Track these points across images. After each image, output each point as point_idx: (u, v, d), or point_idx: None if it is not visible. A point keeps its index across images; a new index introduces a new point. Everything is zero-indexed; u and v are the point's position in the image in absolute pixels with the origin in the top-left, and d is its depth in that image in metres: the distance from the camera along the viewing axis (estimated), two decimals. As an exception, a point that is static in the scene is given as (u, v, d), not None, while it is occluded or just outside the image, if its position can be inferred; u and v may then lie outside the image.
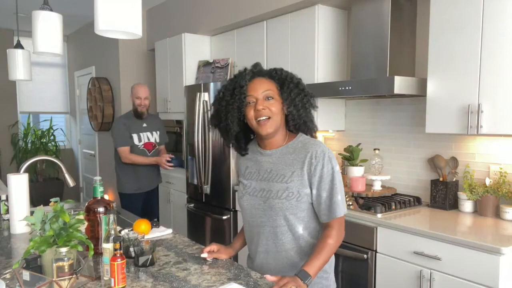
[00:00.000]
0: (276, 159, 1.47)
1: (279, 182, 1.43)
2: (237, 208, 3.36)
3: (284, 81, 1.45)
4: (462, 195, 2.41)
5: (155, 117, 3.82)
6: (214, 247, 1.61)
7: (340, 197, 1.42)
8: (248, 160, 1.55)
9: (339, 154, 3.03)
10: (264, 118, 1.40)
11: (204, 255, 1.58)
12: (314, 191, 1.41)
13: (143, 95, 3.47)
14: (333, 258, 1.56)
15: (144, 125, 3.54)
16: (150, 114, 3.65)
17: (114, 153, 3.56)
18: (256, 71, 1.47)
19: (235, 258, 1.77)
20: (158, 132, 3.63)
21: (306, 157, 1.41)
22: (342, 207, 1.43)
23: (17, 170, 2.20)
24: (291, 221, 1.43)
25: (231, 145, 1.53)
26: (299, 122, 1.46)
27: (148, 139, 3.55)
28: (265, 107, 1.40)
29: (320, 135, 3.41)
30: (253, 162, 1.53)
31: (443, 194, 2.47)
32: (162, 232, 1.96)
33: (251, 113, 1.42)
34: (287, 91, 1.43)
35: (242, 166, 1.57)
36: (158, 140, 3.63)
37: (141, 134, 3.51)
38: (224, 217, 3.43)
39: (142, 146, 3.52)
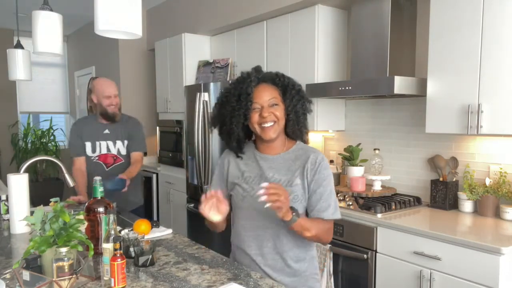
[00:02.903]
0: (279, 164, 1.51)
1: (285, 187, 1.45)
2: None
3: (287, 88, 1.50)
4: (462, 195, 2.41)
5: (127, 121, 2.82)
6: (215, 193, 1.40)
7: (333, 202, 1.48)
8: (245, 164, 1.56)
9: (339, 154, 3.03)
10: (269, 124, 1.45)
11: (216, 218, 1.39)
12: (311, 194, 1.48)
13: (112, 92, 2.68)
14: (316, 260, 1.62)
15: (106, 131, 2.72)
16: (123, 116, 2.82)
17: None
18: (261, 77, 1.50)
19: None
20: (125, 141, 2.75)
21: (307, 162, 1.48)
22: (333, 210, 1.48)
23: (17, 170, 2.20)
24: None
25: (230, 146, 1.56)
26: (296, 128, 1.52)
27: (108, 149, 2.72)
28: (270, 113, 1.45)
29: (320, 135, 3.41)
30: (251, 166, 1.55)
31: (443, 194, 2.47)
32: (162, 232, 1.96)
33: (255, 118, 1.46)
34: (289, 97, 1.49)
35: (236, 170, 1.57)
36: (123, 152, 2.75)
37: (97, 142, 2.72)
38: (224, 217, 3.42)
39: (97, 158, 2.72)
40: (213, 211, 1.38)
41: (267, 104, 1.45)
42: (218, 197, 1.38)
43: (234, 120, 1.46)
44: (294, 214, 1.35)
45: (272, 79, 1.50)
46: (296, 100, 1.50)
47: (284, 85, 1.50)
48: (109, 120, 2.72)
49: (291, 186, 1.47)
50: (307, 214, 1.51)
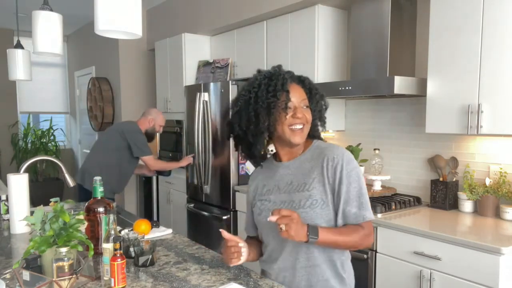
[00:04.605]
0: (295, 169, 1.40)
1: (300, 191, 1.35)
2: (237, 208, 3.36)
3: (312, 90, 1.40)
4: (462, 195, 2.41)
5: None
6: (238, 241, 1.39)
7: (365, 200, 1.34)
8: (265, 178, 1.47)
9: (339, 154, 3.02)
10: (300, 126, 1.34)
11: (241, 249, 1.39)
12: (335, 195, 1.33)
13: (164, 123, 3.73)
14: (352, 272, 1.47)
15: None
16: None
17: (113, 156, 3.35)
18: (290, 76, 1.38)
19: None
20: None
21: (324, 161, 1.34)
22: (368, 210, 1.34)
23: (17, 170, 2.20)
24: None
25: (255, 153, 1.41)
26: (319, 131, 1.45)
27: None
28: (303, 115, 1.34)
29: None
30: (270, 178, 1.45)
31: (443, 194, 2.47)
32: (162, 232, 1.96)
33: (285, 118, 1.32)
34: (314, 101, 1.40)
35: (259, 186, 1.48)
36: None
37: None
38: (224, 217, 3.43)
39: None
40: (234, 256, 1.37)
41: (300, 105, 1.34)
42: (237, 246, 1.38)
43: (271, 118, 1.31)
44: (309, 234, 1.23)
45: (301, 81, 1.39)
46: (320, 105, 1.41)
47: (310, 87, 1.40)
48: (150, 139, 3.55)
49: (308, 191, 1.33)
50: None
